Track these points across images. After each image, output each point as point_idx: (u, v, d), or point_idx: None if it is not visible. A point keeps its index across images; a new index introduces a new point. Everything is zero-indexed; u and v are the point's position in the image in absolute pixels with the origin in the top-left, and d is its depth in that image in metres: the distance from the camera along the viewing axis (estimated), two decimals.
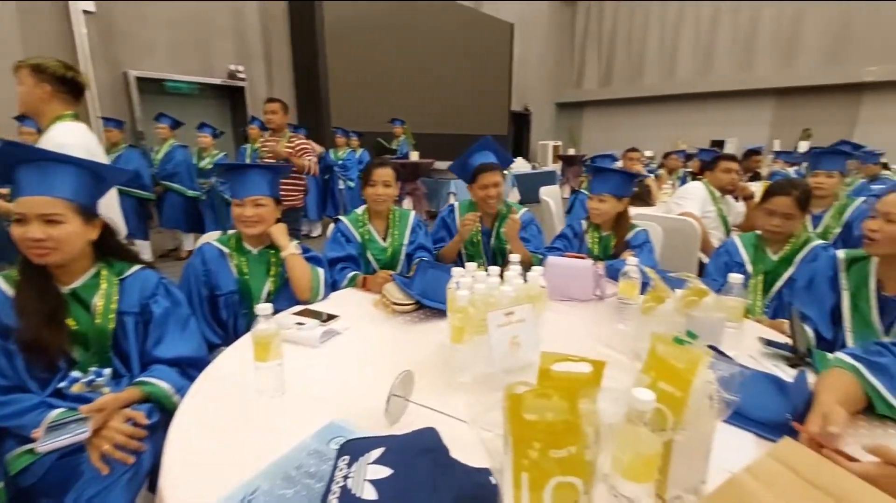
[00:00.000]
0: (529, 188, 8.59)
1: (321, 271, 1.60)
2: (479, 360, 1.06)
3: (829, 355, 1.05)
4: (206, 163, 4.82)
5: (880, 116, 10.60)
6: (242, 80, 7.04)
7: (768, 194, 1.78)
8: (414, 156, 6.50)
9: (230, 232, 1.64)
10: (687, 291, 1.19)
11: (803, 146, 8.63)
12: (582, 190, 3.64)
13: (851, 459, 0.69)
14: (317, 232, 5.91)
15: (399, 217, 2.02)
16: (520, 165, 9.14)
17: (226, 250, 1.58)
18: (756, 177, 4.86)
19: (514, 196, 8.43)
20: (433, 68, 9.65)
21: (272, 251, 1.60)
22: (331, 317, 1.36)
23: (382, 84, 8.65)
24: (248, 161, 4.39)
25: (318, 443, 0.82)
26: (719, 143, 12.24)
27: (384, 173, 1.90)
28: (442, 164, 7.22)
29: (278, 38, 7.61)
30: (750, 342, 1.23)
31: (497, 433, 0.62)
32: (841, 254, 1.60)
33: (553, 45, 14.25)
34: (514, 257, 1.40)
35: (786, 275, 1.75)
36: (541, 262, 1.69)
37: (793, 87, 11.28)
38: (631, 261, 1.37)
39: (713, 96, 12.37)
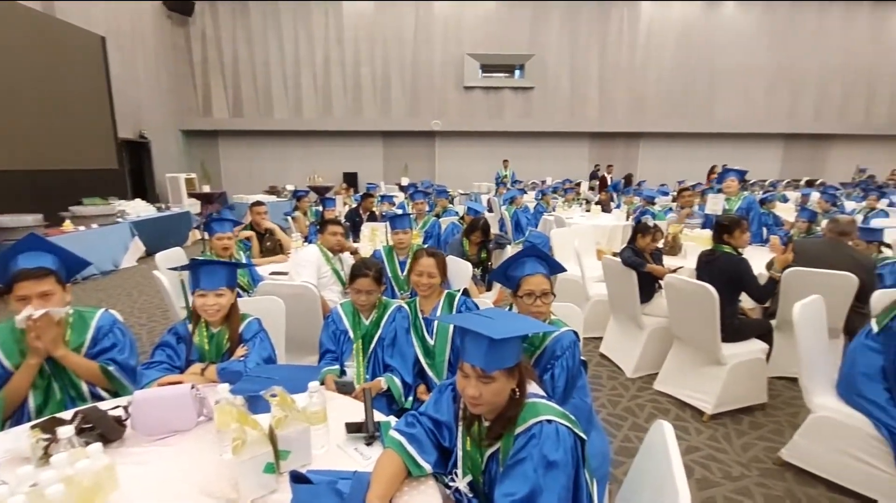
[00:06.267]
0: (159, 237, 7.38)
1: None
2: None
3: (390, 430, 1.33)
4: None
5: (447, 154, 14.85)
6: None
7: (352, 277, 2.13)
8: None
9: None
10: (275, 411, 1.26)
11: (405, 180, 11.08)
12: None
13: None
14: None
15: None
16: (139, 208, 7.71)
17: None
18: (372, 216, 5.84)
19: (137, 249, 7.06)
20: None
21: None
22: None
23: None
24: None
25: None
26: (352, 175, 14.15)
27: None
28: (10, 219, 5.26)
29: None
30: (336, 431, 1.42)
31: None
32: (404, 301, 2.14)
33: (168, 67, 12.80)
34: (65, 430, 1.13)
35: (377, 336, 2.14)
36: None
37: (392, 130, 14.34)
38: (222, 387, 1.35)
39: (336, 135, 14.14)
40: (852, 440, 2.13)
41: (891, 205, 7.51)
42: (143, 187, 11.14)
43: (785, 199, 8.78)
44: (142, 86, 11.45)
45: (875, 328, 2.11)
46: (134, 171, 11.11)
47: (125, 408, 1.48)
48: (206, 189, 10.24)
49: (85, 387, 1.73)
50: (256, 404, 1.47)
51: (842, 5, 14.60)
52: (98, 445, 1.11)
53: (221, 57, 13.60)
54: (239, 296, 2.87)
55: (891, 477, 2.02)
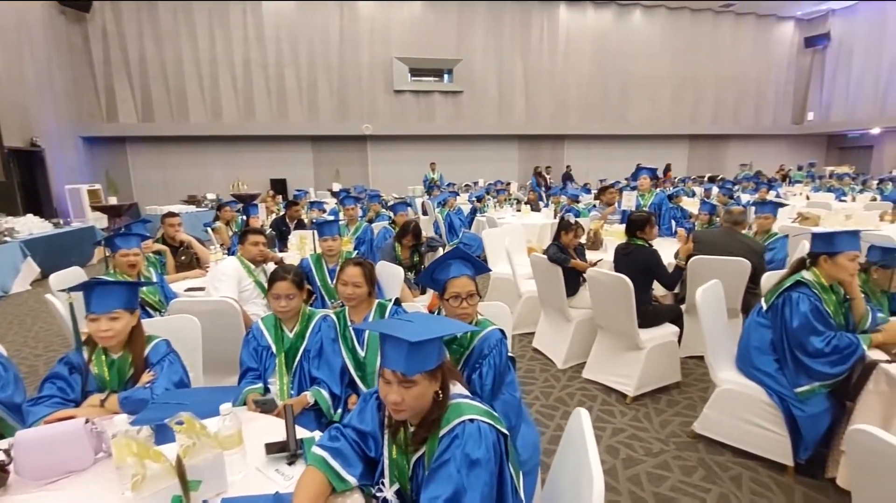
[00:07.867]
0: (58, 257, 6.60)
1: None
2: None
3: (313, 446, 1.27)
4: None
5: (380, 158, 14.68)
6: None
7: (269, 282, 2.04)
8: None
9: None
10: (181, 439, 1.16)
11: (336, 186, 10.81)
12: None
13: None
14: None
15: None
16: (31, 224, 6.87)
17: None
18: (301, 224, 5.62)
19: (30, 272, 6.29)
20: None
21: None
22: None
23: None
24: None
25: None
26: (281, 182, 13.55)
27: None
28: None
29: None
30: (256, 453, 1.34)
31: None
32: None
33: (64, 68, 11.52)
34: None
35: (302, 348, 2.06)
36: None
37: (321, 135, 13.92)
38: (120, 418, 1.23)
39: (260, 140, 13.48)
40: (751, 408, 2.36)
41: (777, 196, 8.57)
42: (38, 201, 9.93)
43: (693, 194, 9.64)
44: (31, 88, 10.22)
45: (764, 306, 2.36)
46: (25, 183, 9.86)
47: (6, 451, 1.30)
48: (114, 201, 9.32)
49: None
50: (166, 434, 1.36)
51: (731, 21, 16.43)
52: None
53: (126, 56, 12.47)
54: (149, 315, 2.67)
55: (783, 437, 2.27)
